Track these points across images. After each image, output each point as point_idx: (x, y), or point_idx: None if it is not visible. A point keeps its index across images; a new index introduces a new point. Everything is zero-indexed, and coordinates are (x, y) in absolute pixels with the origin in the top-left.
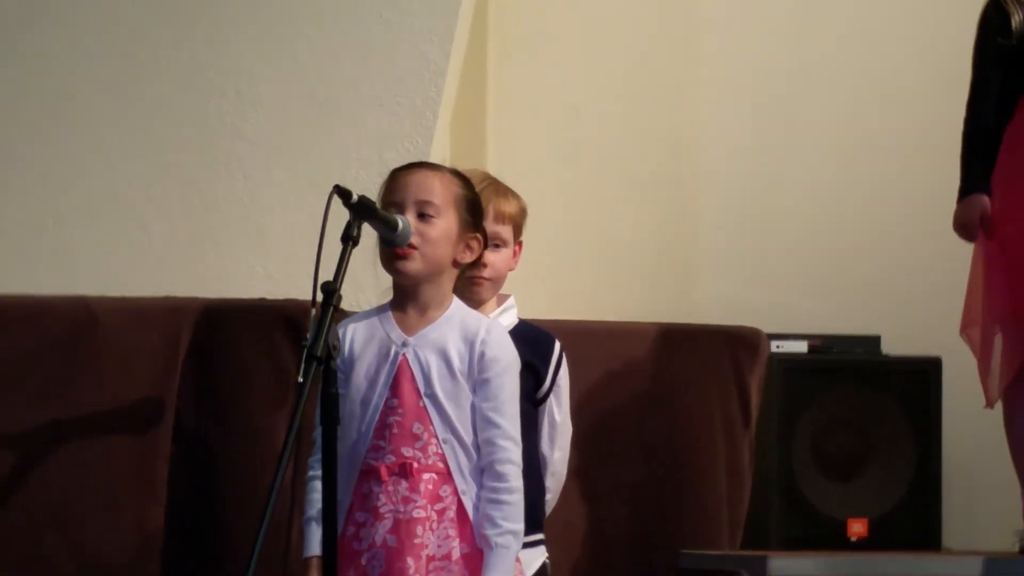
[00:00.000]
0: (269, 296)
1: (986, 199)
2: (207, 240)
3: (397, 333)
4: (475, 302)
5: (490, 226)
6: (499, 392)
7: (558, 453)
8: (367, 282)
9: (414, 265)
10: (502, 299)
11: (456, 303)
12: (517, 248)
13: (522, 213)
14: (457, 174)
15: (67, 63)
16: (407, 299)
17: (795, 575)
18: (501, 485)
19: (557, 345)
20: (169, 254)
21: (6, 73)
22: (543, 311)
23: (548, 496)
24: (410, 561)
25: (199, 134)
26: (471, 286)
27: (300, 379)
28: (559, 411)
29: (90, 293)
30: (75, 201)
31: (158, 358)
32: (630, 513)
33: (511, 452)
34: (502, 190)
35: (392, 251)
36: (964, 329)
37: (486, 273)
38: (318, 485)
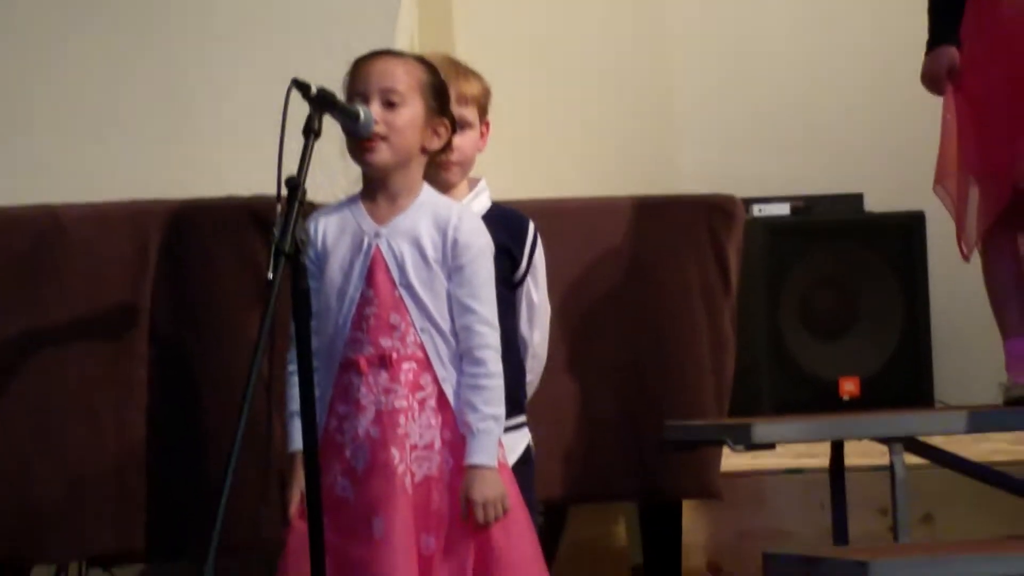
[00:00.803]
0: (242, 192)
1: (954, 51)
2: (175, 139)
3: (369, 223)
4: (444, 186)
5: (453, 109)
6: (474, 278)
7: (538, 334)
8: (339, 171)
9: (381, 156)
10: (473, 182)
11: (426, 190)
12: (484, 129)
13: (485, 94)
14: (421, 60)
15: None
16: (377, 189)
17: (780, 440)
18: (480, 370)
19: (531, 226)
20: (136, 155)
21: None
22: (519, 191)
23: (530, 378)
24: (394, 451)
25: (162, 31)
26: (439, 170)
27: (270, 275)
28: (536, 292)
29: (59, 199)
30: (39, 106)
31: (128, 263)
32: (614, 389)
33: (488, 337)
34: (463, 71)
35: (358, 142)
36: (938, 182)
37: (453, 157)
38: (297, 380)
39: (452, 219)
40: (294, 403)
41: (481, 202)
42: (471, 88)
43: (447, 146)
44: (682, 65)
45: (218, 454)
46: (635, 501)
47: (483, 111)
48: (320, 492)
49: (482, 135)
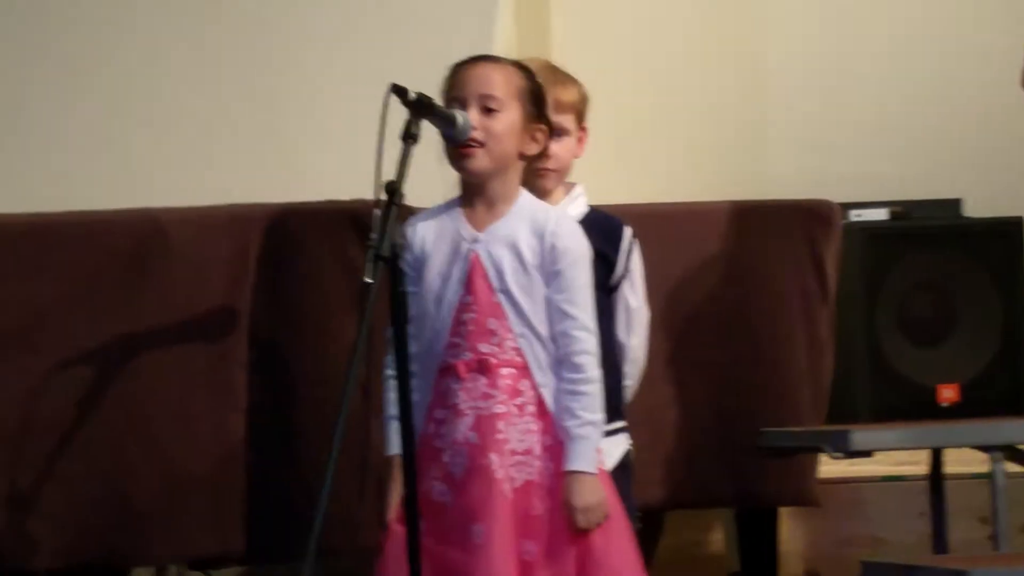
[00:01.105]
0: (338, 197)
1: None
2: (272, 143)
3: (467, 229)
4: (541, 193)
5: (550, 115)
6: (572, 283)
7: (635, 339)
8: (436, 176)
9: (479, 162)
10: (569, 187)
11: (524, 196)
12: (581, 135)
13: (583, 100)
14: (519, 65)
15: None
16: (475, 195)
17: (878, 447)
18: (578, 376)
19: (627, 231)
20: (236, 159)
21: None
22: (616, 196)
23: (628, 383)
24: (493, 457)
25: (259, 35)
26: (536, 177)
27: (367, 280)
28: (633, 297)
29: (157, 203)
30: (138, 111)
31: (228, 266)
32: (711, 394)
33: (586, 342)
34: (560, 78)
35: (456, 148)
36: None
37: (550, 164)
38: (395, 384)
39: (550, 224)
40: (392, 407)
41: (577, 207)
42: (569, 95)
43: (544, 152)
44: (779, 68)
45: (316, 457)
46: (732, 507)
47: (580, 117)
48: (417, 496)
49: (579, 141)
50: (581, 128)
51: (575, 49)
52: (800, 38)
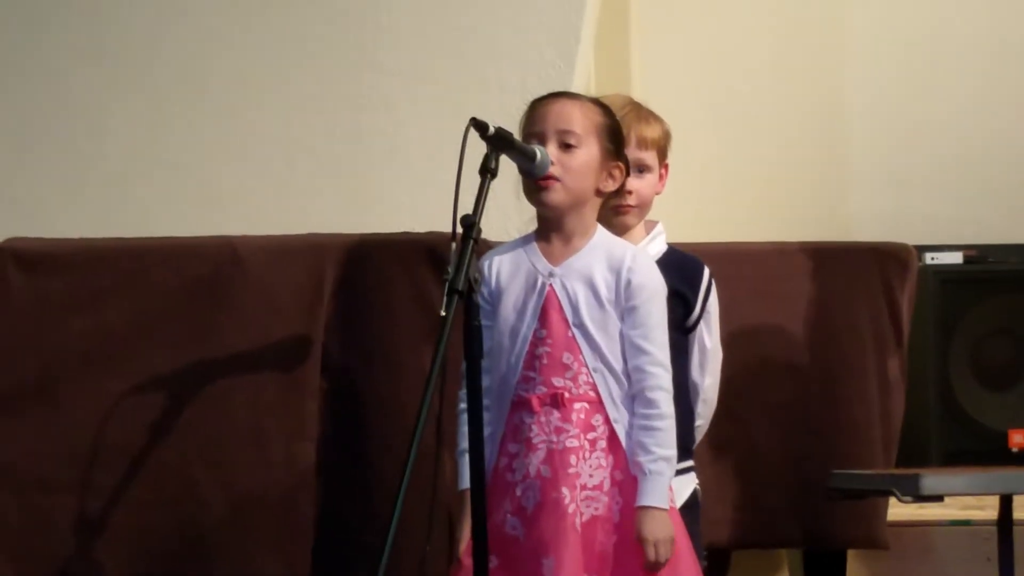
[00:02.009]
0: (415, 229)
1: None
2: (351, 173)
3: (543, 263)
4: (622, 229)
5: (633, 152)
6: (647, 319)
7: (709, 379)
8: (513, 211)
9: (556, 196)
10: (650, 225)
11: (600, 231)
12: (663, 172)
13: (665, 136)
14: (597, 102)
15: (208, 1)
16: (551, 229)
17: (949, 492)
18: (652, 412)
19: (706, 271)
20: (313, 188)
21: (150, 12)
22: (693, 234)
23: (699, 423)
24: (565, 491)
25: (339, 67)
26: (618, 214)
27: (443, 313)
28: (709, 337)
29: (236, 229)
30: (219, 138)
31: (303, 295)
32: (782, 434)
33: (661, 378)
34: (644, 115)
35: (534, 183)
36: None
37: (632, 200)
38: (467, 418)
39: (626, 260)
40: (465, 441)
41: (657, 245)
42: (652, 132)
43: (621, 189)
44: (858, 110)
45: (386, 488)
46: (800, 548)
47: (663, 154)
48: (487, 530)
49: (661, 178)
50: (663, 165)
51: (655, 85)
52: (879, 80)
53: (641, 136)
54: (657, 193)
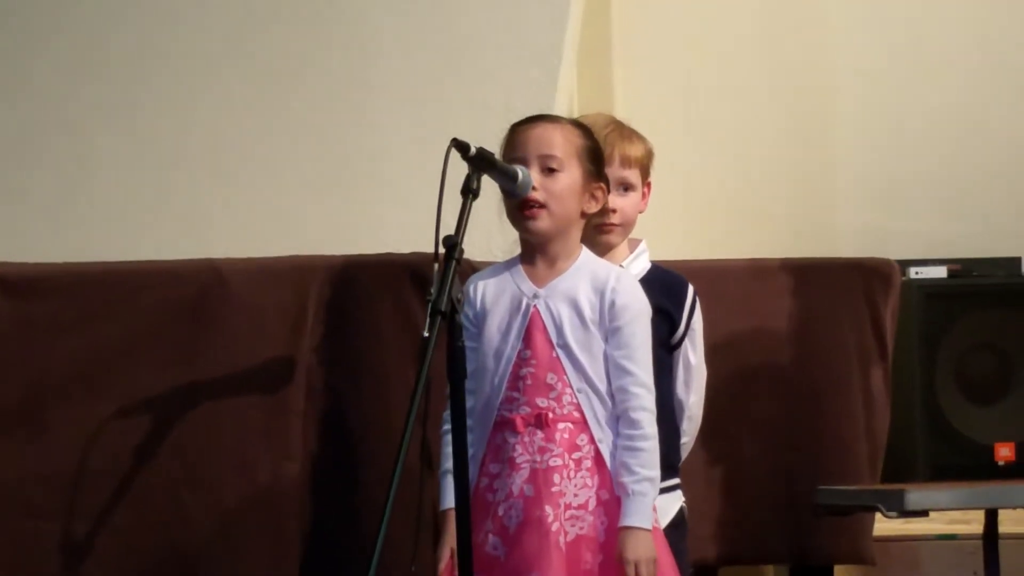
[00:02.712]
0: (401, 248)
1: None
2: (335, 193)
3: (528, 285)
4: (606, 248)
5: (616, 171)
6: (631, 340)
7: (694, 397)
8: (496, 230)
9: (542, 224)
10: (634, 244)
11: (585, 253)
12: (646, 190)
13: (648, 155)
14: (577, 124)
15: (191, 22)
16: (536, 252)
17: (934, 507)
18: (636, 432)
19: (691, 289)
20: (298, 208)
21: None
22: (676, 252)
23: (684, 440)
24: (548, 509)
25: (325, 87)
26: (601, 233)
27: (425, 333)
28: (694, 354)
29: (221, 251)
30: (205, 159)
31: (287, 317)
32: (767, 450)
33: (644, 399)
34: (627, 134)
35: (519, 211)
36: None
37: (615, 219)
38: (451, 439)
39: (611, 281)
40: (448, 461)
41: (641, 263)
42: (635, 150)
43: (604, 208)
44: (841, 126)
45: (372, 507)
46: (786, 564)
47: (646, 172)
48: (471, 550)
49: (644, 196)
50: (646, 183)
51: (637, 104)
52: (863, 96)
53: (624, 155)
54: (640, 211)
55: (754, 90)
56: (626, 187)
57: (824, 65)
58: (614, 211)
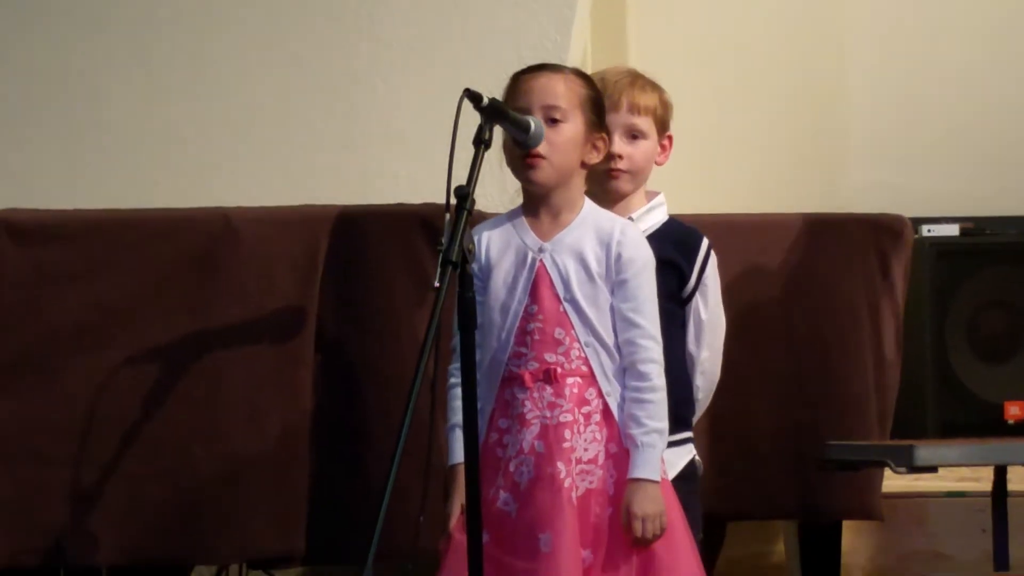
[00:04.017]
0: (410, 200)
1: None
2: (346, 145)
3: (532, 239)
4: (616, 195)
5: (623, 117)
6: (637, 292)
7: (706, 352)
8: (493, 184)
9: (544, 174)
10: (651, 196)
11: (588, 205)
12: (666, 142)
13: (663, 106)
14: (580, 73)
15: None
16: (539, 205)
17: (943, 463)
18: (644, 384)
19: (704, 243)
20: (309, 160)
21: None
22: (690, 206)
23: (700, 395)
24: (560, 465)
25: (336, 39)
26: (609, 179)
27: (436, 284)
28: (704, 309)
29: (231, 203)
30: (216, 110)
31: (298, 267)
32: (777, 407)
33: (652, 351)
34: (639, 83)
35: (522, 160)
36: None
37: (622, 165)
38: (459, 392)
39: (616, 234)
40: (456, 416)
41: (656, 216)
42: (645, 99)
43: (609, 155)
44: (855, 83)
45: (380, 460)
46: (795, 519)
47: (661, 124)
48: (480, 505)
49: (663, 149)
50: (664, 136)
51: (651, 58)
52: (877, 53)
53: (633, 102)
54: (658, 164)
55: (769, 46)
56: (635, 134)
57: (838, 21)
58: (620, 157)
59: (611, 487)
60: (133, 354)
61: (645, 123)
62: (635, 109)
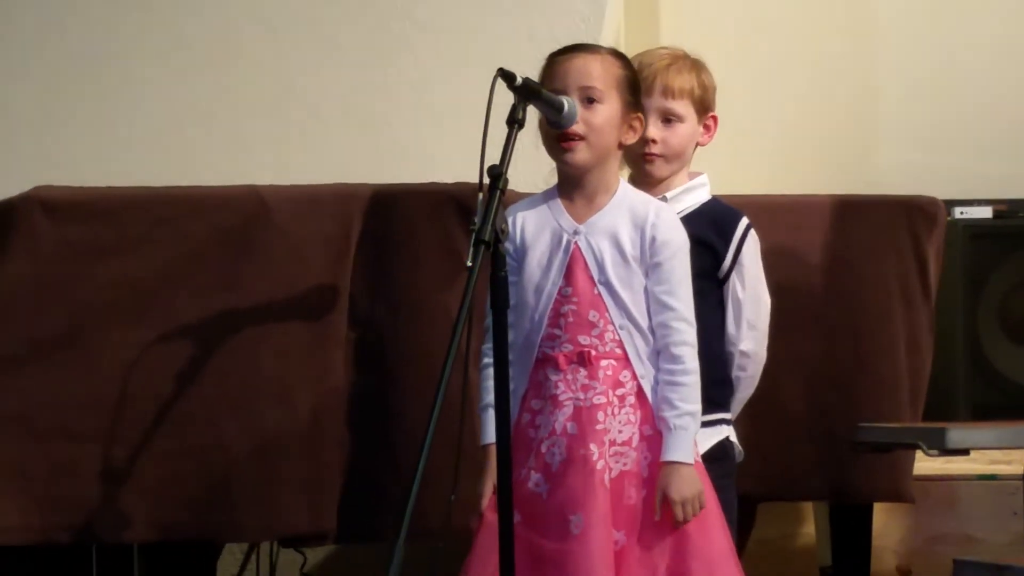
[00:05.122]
0: (443, 179)
1: None
2: (381, 125)
3: (567, 221)
4: (651, 177)
5: (656, 101)
6: (671, 275)
7: (746, 331)
8: (527, 164)
9: (581, 156)
10: (694, 175)
11: (623, 187)
12: (710, 123)
13: (701, 87)
14: (616, 53)
15: None
16: (574, 186)
17: (975, 446)
18: (677, 367)
19: (743, 222)
20: (342, 138)
21: None
22: (720, 187)
23: (742, 375)
24: (593, 447)
25: (369, 19)
26: (644, 163)
27: (468, 263)
28: (742, 289)
29: (264, 181)
30: (248, 89)
31: (331, 245)
32: (808, 388)
33: (686, 334)
34: (676, 65)
35: (558, 143)
36: None
37: (656, 149)
38: (492, 372)
39: (650, 216)
40: (488, 395)
41: (695, 196)
42: (680, 81)
43: (642, 139)
44: (887, 63)
45: (412, 439)
46: (827, 501)
47: (701, 105)
48: (511, 485)
49: (707, 129)
50: (709, 117)
51: (684, 37)
52: (910, 35)
53: (667, 85)
54: (701, 144)
55: (800, 27)
56: (668, 118)
57: (871, 2)
58: (653, 141)
59: (645, 469)
60: (165, 331)
61: (680, 106)
62: (669, 93)
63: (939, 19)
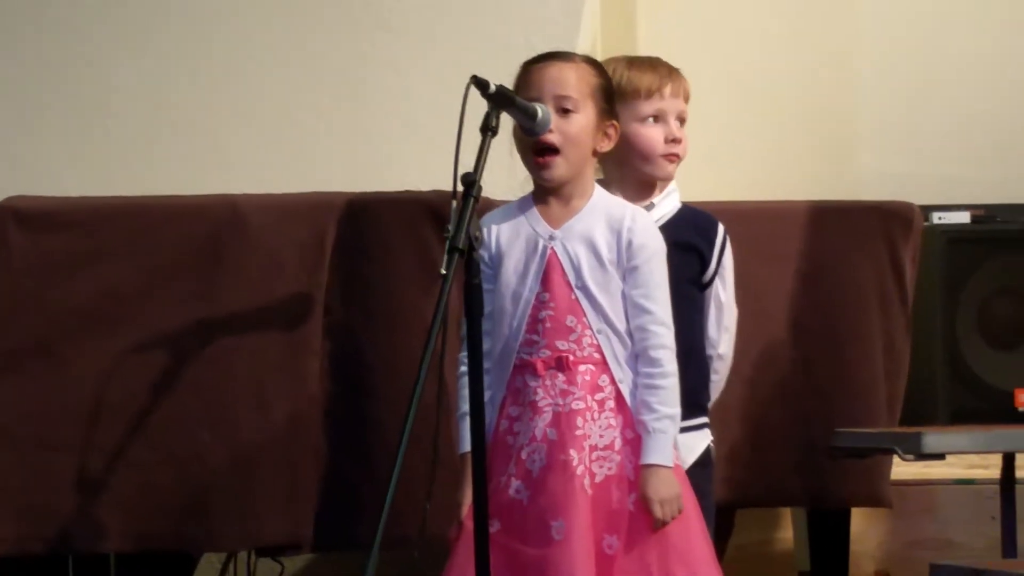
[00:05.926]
0: (418, 187)
1: None
2: (355, 132)
3: (543, 226)
4: (666, 178)
5: (673, 104)
6: (649, 278)
7: (724, 334)
8: (501, 171)
9: (558, 171)
10: (663, 184)
11: (598, 191)
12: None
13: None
14: (591, 61)
15: None
16: (549, 193)
17: (951, 450)
18: (655, 370)
19: (720, 228)
20: (318, 146)
21: None
22: (699, 193)
23: (715, 377)
24: (572, 452)
25: (347, 28)
26: (666, 164)
27: (443, 271)
28: (724, 293)
29: (240, 190)
30: (225, 97)
31: (306, 254)
32: (786, 394)
33: (664, 337)
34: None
35: (534, 158)
36: None
37: (679, 150)
38: (467, 380)
39: (626, 220)
40: (465, 404)
41: (671, 203)
42: (686, 85)
43: (671, 139)
44: (866, 70)
45: (388, 447)
46: (804, 506)
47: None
48: (487, 493)
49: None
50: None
51: (661, 43)
52: (888, 40)
53: (685, 88)
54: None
55: (779, 32)
56: (682, 120)
57: (848, 7)
58: (678, 141)
59: (630, 472)
60: (140, 341)
61: (686, 110)
62: (686, 95)
63: (918, 26)
